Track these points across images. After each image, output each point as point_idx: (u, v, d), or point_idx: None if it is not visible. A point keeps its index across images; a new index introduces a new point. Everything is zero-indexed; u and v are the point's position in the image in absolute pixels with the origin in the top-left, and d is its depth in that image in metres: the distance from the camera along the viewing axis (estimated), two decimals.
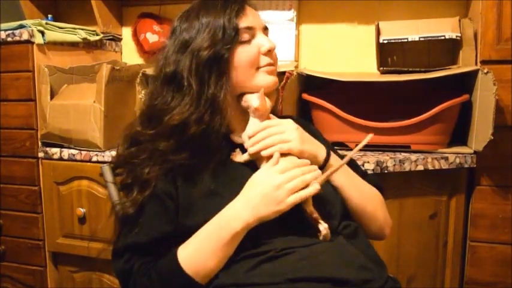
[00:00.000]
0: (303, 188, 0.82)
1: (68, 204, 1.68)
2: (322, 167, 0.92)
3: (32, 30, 1.64)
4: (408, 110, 1.45)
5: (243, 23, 0.92)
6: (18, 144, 1.72)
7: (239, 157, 0.93)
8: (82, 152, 1.63)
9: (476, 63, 1.48)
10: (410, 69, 1.52)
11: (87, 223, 1.65)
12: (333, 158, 0.95)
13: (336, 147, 1.48)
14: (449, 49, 1.61)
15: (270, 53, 0.94)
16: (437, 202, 1.44)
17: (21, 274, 1.80)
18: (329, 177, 0.88)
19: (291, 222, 0.83)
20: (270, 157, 0.86)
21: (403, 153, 1.45)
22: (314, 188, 0.81)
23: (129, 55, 2.13)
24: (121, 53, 2.14)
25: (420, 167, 1.39)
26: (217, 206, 0.85)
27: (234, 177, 0.90)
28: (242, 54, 0.91)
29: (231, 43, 0.90)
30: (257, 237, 0.83)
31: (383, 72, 1.58)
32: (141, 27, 2.04)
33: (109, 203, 1.06)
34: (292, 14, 1.86)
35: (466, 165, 1.40)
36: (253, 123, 0.92)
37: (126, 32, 2.12)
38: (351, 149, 1.51)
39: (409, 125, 1.42)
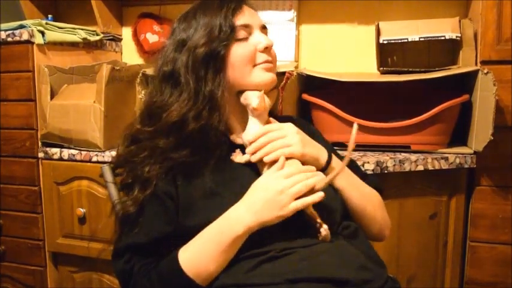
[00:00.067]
0: (306, 193, 0.82)
1: (68, 205, 1.68)
2: (324, 169, 0.92)
3: (32, 30, 1.64)
4: (408, 110, 1.45)
5: (239, 20, 0.93)
6: (18, 144, 1.72)
7: (239, 158, 0.93)
8: (82, 152, 1.63)
9: (476, 64, 1.48)
10: (410, 69, 1.52)
11: (87, 223, 1.65)
12: (335, 160, 0.95)
13: (336, 148, 1.48)
14: (449, 49, 1.61)
15: (267, 50, 0.94)
16: (437, 202, 1.44)
17: (21, 274, 1.80)
18: (332, 181, 0.88)
19: (291, 222, 0.83)
20: (272, 161, 0.87)
21: (403, 154, 1.45)
22: (318, 195, 0.81)
23: (129, 55, 2.13)
24: (121, 53, 2.14)
25: (420, 167, 1.39)
26: (218, 206, 0.85)
27: (234, 177, 0.90)
28: (238, 51, 0.92)
29: (227, 40, 0.91)
30: (257, 237, 0.83)
31: (383, 73, 1.58)
32: (141, 27, 2.04)
33: (109, 203, 1.06)
34: (292, 14, 1.86)
35: (466, 166, 1.40)
36: (253, 125, 0.92)
37: (126, 32, 2.12)
38: None
39: (409, 125, 1.42)
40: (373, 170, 1.35)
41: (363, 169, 1.31)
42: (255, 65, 0.93)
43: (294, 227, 0.84)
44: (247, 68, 0.93)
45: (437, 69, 1.48)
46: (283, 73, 1.48)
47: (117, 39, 2.10)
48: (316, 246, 0.83)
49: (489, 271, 1.46)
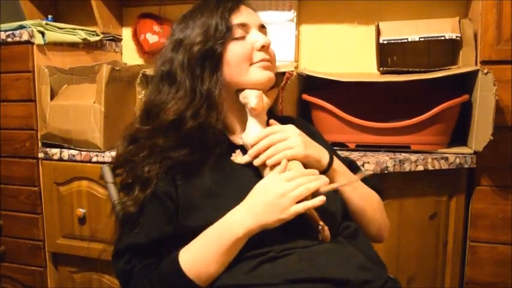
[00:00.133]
0: (307, 196, 0.81)
1: (68, 205, 1.68)
2: (326, 171, 0.92)
3: (32, 30, 1.64)
4: (408, 110, 1.45)
5: (236, 19, 0.94)
6: (18, 144, 1.72)
7: (239, 158, 0.93)
8: (82, 152, 1.63)
9: (476, 64, 1.48)
10: (410, 69, 1.52)
11: (87, 223, 1.65)
12: (336, 162, 0.95)
13: (336, 148, 1.49)
14: (449, 49, 1.61)
15: (264, 49, 0.94)
16: (437, 202, 1.44)
17: (21, 275, 1.80)
18: (335, 189, 0.88)
19: (292, 223, 0.83)
20: (274, 163, 0.86)
21: (403, 154, 1.45)
22: (319, 199, 0.80)
23: (129, 55, 2.13)
24: (121, 54, 2.14)
25: (420, 167, 1.39)
26: (218, 207, 0.85)
27: (234, 178, 0.91)
28: (234, 50, 0.92)
29: (223, 38, 0.91)
30: (258, 238, 0.83)
31: (383, 73, 1.58)
32: (141, 27, 2.04)
33: (109, 203, 1.06)
34: (292, 14, 1.86)
35: (466, 166, 1.40)
36: (253, 125, 0.92)
37: (126, 33, 2.12)
38: (351, 149, 1.52)
39: (409, 125, 1.42)
40: (373, 170, 1.35)
41: (363, 169, 1.32)
42: (252, 64, 0.93)
43: (294, 227, 0.83)
44: (244, 67, 0.93)
45: (437, 69, 1.48)
46: (283, 73, 1.48)
47: (117, 40, 2.10)
48: (316, 247, 0.83)
49: (489, 271, 1.46)
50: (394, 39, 1.56)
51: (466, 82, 1.50)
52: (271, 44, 0.98)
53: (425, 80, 1.41)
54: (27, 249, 1.77)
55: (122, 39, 2.14)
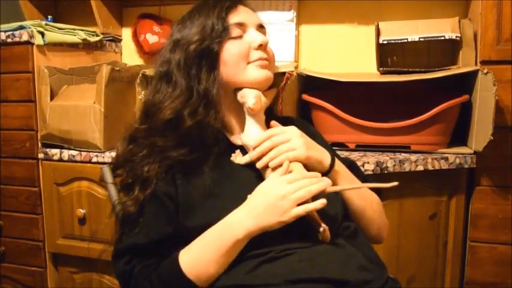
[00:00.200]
0: (308, 199, 0.81)
1: (68, 205, 1.68)
2: (328, 172, 0.92)
3: (32, 31, 1.64)
4: (408, 110, 1.45)
5: (233, 19, 0.94)
6: (18, 145, 1.72)
7: (239, 159, 0.93)
8: (82, 153, 1.63)
9: (476, 64, 1.48)
10: (410, 69, 1.52)
11: (87, 224, 1.65)
12: (338, 163, 0.95)
13: (336, 148, 1.49)
14: (449, 49, 1.61)
15: (262, 47, 0.94)
16: (437, 202, 1.44)
17: (21, 275, 1.80)
18: (338, 191, 0.88)
19: (292, 223, 0.83)
20: (276, 166, 0.86)
21: (403, 154, 1.45)
22: (320, 202, 0.80)
23: (129, 56, 2.13)
24: (121, 54, 2.14)
25: (420, 168, 1.39)
26: (217, 207, 0.85)
27: (234, 178, 0.91)
28: (231, 49, 0.92)
29: (219, 37, 0.91)
30: (258, 238, 0.82)
31: (383, 73, 1.58)
32: (141, 28, 2.04)
33: (109, 204, 1.06)
34: (292, 14, 1.86)
35: (466, 166, 1.40)
36: (251, 126, 0.92)
37: (126, 33, 2.12)
38: (351, 149, 1.52)
39: (409, 126, 1.42)
40: (373, 171, 1.35)
41: (362, 169, 1.32)
42: (249, 63, 0.93)
43: (294, 228, 0.83)
44: (240, 66, 0.93)
45: (437, 69, 1.48)
46: (283, 73, 1.48)
47: (117, 40, 2.10)
48: (316, 247, 0.83)
49: (489, 271, 1.46)
50: (394, 40, 1.56)
51: (466, 82, 1.50)
52: (270, 43, 0.98)
53: (425, 80, 1.41)
54: (27, 249, 1.77)
55: (121, 40, 2.14)
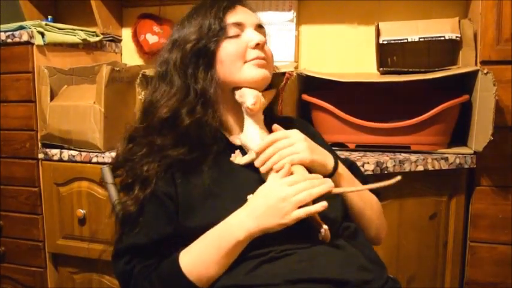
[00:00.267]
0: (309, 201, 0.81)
1: (68, 206, 1.68)
2: (331, 175, 0.91)
3: (32, 31, 1.64)
4: (408, 110, 1.45)
5: (231, 19, 0.94)
6: (18, 145, 1.72)
7: (239, 159, 0.93)
8: (82, 153, 1.63)
9: (476, 64, 1.48)
10: (410, 69, 1.52)
11: (87, 224, 1.65)
12: (340, 166, 0.95)
13: (336, 148, 1.49)
14: (449, 49, 1.61)
15: (259, 47, 0.94)
16: (437, 202, 1.44)
17: (21, 275, 1.80)
18: (340, 194, 0.88)
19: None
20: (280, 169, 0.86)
21: (403, 154, 1.45)
22: (321, 205, 0.79)
23: (129, 56, 2.13)
24: (121, 54, 2.14)
25: (420, 168, 1.39)
26: (217, 207, 0.85)
27: (233, 178, 0.91)
28: (228, 48, 0.92)
29: (216, 36, 0.92)
30: (258, 238, 0.82)
31: (383, 73, 1.58)
32: (141, 28, 2.04)
33: (109, 204, 1.06)
34: (292, 14, 1.86)
35: (466, 166, 1.40)
36: (250, 126, 0.92)
37: (126, 33, 2.12)
38: (351, 150, 1.52)
39: (409, 126, 1.42)
40: (373, 171, 1.35)
41: (362, 169, 1.32)
42: (246, 62, 0.93)
43: (294, 228, 0.83)
44: (237, 64, 0.93)
45: (437, 69, 1.48)
46: (283, 73, 1.48)
47: (116, 40, 2.10)
48: (316, 247, 0.83)
49: (489, 271, 1.46)
50: (394, 40, 1.56)
51: (466, 82, 1.50)
52: (268, 43, 0.98)
53: (425, 80, 1.41)
54: (27, 249, 1.76)
55: (121, 40, 2.14)
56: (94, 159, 1.61)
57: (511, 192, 1.43)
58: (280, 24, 1.86)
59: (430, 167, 1.39)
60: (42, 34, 1.67)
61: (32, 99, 1.69)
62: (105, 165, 1.07)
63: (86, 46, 1.90)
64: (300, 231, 0.84)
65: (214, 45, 0.92)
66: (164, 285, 0.84)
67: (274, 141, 0.88)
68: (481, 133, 1.38)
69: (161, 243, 0.88)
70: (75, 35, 1.82)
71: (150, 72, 1.55)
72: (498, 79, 1.33)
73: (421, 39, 1.54)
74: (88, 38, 1.87)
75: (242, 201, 0.85)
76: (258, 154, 0.89)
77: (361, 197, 0.98)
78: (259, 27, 0.98)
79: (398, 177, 0.85)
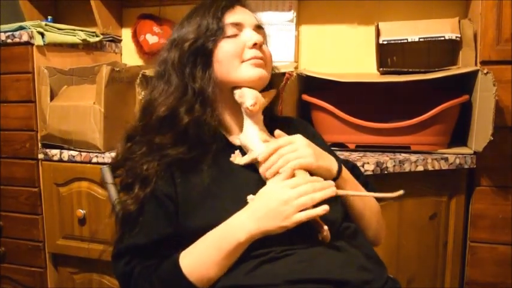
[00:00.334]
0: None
1: (68, 206, 1.68)
2: (336, 179, 0.91)
3: (32, 31, 1.64)
4: (408, 110, 1.45)
5: (229, 19, 0.94)
6: (18, 145, 1.72)
7: (239, 159, 0.93)
8: (82, 153, 1.63)
9: (476, 64, 1.48)
10: (410, 69, 1.52)
11: (87, 224, 1.65)
12: (344, 170, 0.95)
13: (336, 148, 1.49)
14: (449, 50, 1.61)
15: (257, 46, 0.94)
16: (437, 203, 1.44)
17: (21, 275, 1.80)
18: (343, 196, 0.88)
19: None
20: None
21: (403, 154, 1.45)
22: (322, 208, 0.79)
23: (129, 56, 2.13)
24: (121, 54, 2.14)
25: (420, 168, 1.39)
26: (217, 207, 0.85)
27: (233, 178, 0.91)
28: (225, 47, 0.93)
29: (214, 36, 0.92)
30: (258, 238, 0.82)
31: (383, 73, 1.58)
32: (141, 28, 2.04)
33: (109, 204, 1.06)
34: (292, 14, 1.86)
35: (466, 166, 1.40)
36: (250, 127, 0.92)
37: (126, 33, 2.12)
38: (351, 150, 1.52)
39: (409, 126, 1.42)
40: (373, 171, 1.35)
41: (362, 170, 1.32)
42: (243, 61, 0.93)
43: (294, 228, 0.83)
44: (234, 64, 0.93)
45: (437, 69, 1.48)
46: (283, 74, 1.48)
47: (116, 41, 2.10)
48: (317, 247, 0.83)
49: (489, 271, 1.45)
50: (394, 40, 1.56)
51: (466, 82, 1.50)
52: (268, 43, 0.99)
53: (425, 81, 1.41)
54: (27, 250, 1.76)
55: (121, 40, 2.14)
56: (94, 160, 1.61)
57: (511, 193, 1.43)
58: (280, 24, 1.86)
59: (430, 167, 1.39)
60: (42, 34, 1.67)
61: (32, 99, 1.69)
62: (105, 165, 1.07)
63: (86, 46, 1.90)
64: (300, 232, 0.84)
65: (212, 45, 0.92)
66: (164, 286, 0.84)
67: (277, 148, 0.87)
68: (481, 133, 1.38)
69: (161, 243, 0.87)
70: (75, 35, 1.82)
71: (150, 72, 1.56)
72: (498, 79, 1.33)
73: (421, 40, 1.54)
74: (88, 38, 1.87)
75: (242, 201, 0.85)
76: (261, 163, 0.88)
77: (362, 201, 0.98)
78: (258, 28, 0.98)
79: (401, 192, 0.84)
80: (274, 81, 1.06)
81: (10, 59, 1.69)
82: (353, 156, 1.43)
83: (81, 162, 1.63)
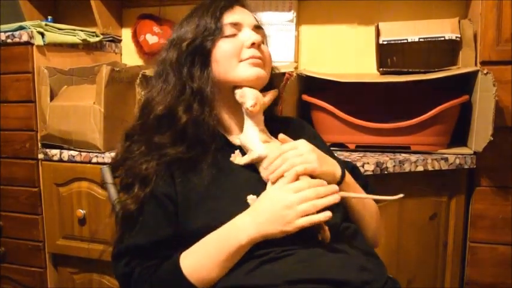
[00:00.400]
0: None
1: (68, 206, 1.68)
2: (339, 183, 0.91)
3: (32, 31, 1.64)
4: (408, 110, 1.45)
5: (228, 19, 0.94)
6: (18, 145, 1.72)
7: (239, 159, 0.93)
8: (82, 153, 1.63)
9: (476, 64, 1.48)
10: (410, 70, 1.52)
11: (87, 224, 1.65)
12: (347, 174, 0.95)
13: (336, 148, 1.49)
14: (449, 50, 1.61)
15: (255, 46, 0.94)
16: (437, 203, 1.44)
17: (21, 275, 1.80)
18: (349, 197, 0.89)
19: None
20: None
21: (403, 154, 1.45)
22: (325, 214, 0.79)
23: (129, 56, 2.13)
24: (121, 54, 2.14)
25: (420, 168, 1.38)
26: (217, 207, 0.85)
27: (233, 179, 0.91)
28: (223, 47, 0.93)
29: (212, 36, 0.92)
30: None
31: (383, 73, 1.58)
32: (140, 28, 2.04)
33: (109, 204, 1.06)
34: (292, 15, 1.86)
35: (466, 166, 1.40)
36: (250, 127, 0.92)
37: (126, 33, 2.12)
38: (351, 150, 1.52)
39: (409, 126, 1.42)
40: (373, 171, 1.35)
41: (362, 170, 1.32)
42: (241, 61, 0.93)
43: None
44: (232, 63, 0.93)
45: (437, 69, 1.48)
46: (283, 74, 1.48)
47: (116, 41, 2.10)
48: (316, 248, 0.83)
49: (489, 272, 1.45)
50: (394, 40, 1.56)
51: (466, 83, 1.49)
52: (267, 43, 0.99)
53: (425, 81, 1.41)
54: (27, 250, 1.76)
55: (121, 40, 2.14)
56: (94, 160, 1.61)
57: (511, 193, 1.43)
58: (280, 25, 1.86)
59: (430, 168, 1.39)
60: (42, 34, 1.67)
61: (32, 99, 1.69)
62: (104, 165, 1.07)
63: (86, 46, 1.90)
64: (301, 232, 0.84)
65: (210, 44, 0.92)
66: (164, 287, 0.84)
67: (282, 154, 0.87)
68: (481, 133, 1.37)
69: (161, 244, 0.87)
70: (75, 35, 1.82)
71: (150, 72, 1.55)
72: (498, 79, 1.33)
73: (421, 40, 1.54)
74: (88, 38, 1.87)
75: (242, 201, 0.85)
76: (261, 163, 0.89)
77: (363, 203, 0.98)
78: (257, 28, 0.98)
79: (401, 195, 0.85)
80: (274, 82, 1.06)
81: (10, 59, 1.69)
82: (353, 157, 1.43)
83: (81, 162, 1.63)
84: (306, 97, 1.55)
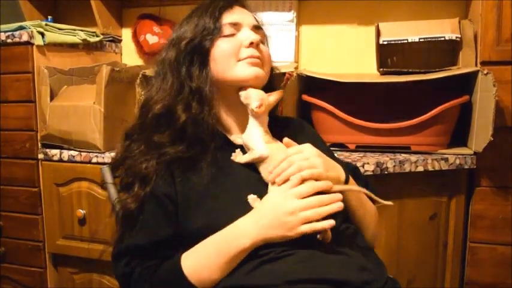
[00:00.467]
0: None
1: (68, 206, 1.68)
2: None
3: (32, 31, 1.64)
4: (408, 110, 1.45)
5: (227, 18, 0.95)
6: (18, 145, 1.72)
7: (239, 158, 0.93)
8: (82, 153, 1.63)
9: (476, 64, 1.48)
10: (410, 70, 1.52)
11: (87, 224, 1.65)
12: (351, 179, 0.95)
13: (336, 148, 1.49)
14: (449, 50, 1.61)
15: (253, 45, 0.94)
16: (437, 203, 1.44)
17: (21, 275, 1.80)
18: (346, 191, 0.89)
19: None
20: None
21: (403, 154, 1.45)
22: (328, 222, 0.79)
23: (129, 56, 2.13)
24: (121, 54, 2.14)
25: (420, 168, 1.38)
26: (218, 208, 0.85)
27: (234, 178, 0.91)
28: (221, 46, 0.93)
29: (211, 35, 0.93)
30: None
31: (383, 73, 1.58)
32: (141, 28, 2.04)
33: (109, 204, 1.06)
34: (292, 15, 1.86)
35: (466, 166, 1.40)
36: (254, 128, 0.92)
37: (126, 33, 2.12)
38: (351, 150, 1.52)
39: (409, 126, 1.42)
40: (373, 171, 1.35)
41: (362, 170, 1.32)
42: (239, 60, 0.93)
43: None
44: (230, 63, 0.93)
45: (437, 69, 1.48)
46: (283, 74, 1.48)
47: (116, 41, 2.10)
48: (316, 248, 0.83)
49: (489, 272, 1.45)
50: (394, 40, 1.56)
51: (466, 83, 1.49)
52: (267, 44, 0.99)
53: (425, 81, 1.41)
54: (27, 250, 1.76)
55: (121, 40, 2.14)
56: (94, 160, 1.61)
57: (511, 193, 1.43)
58: (280, 25, 1.86)
59: (430, 168, 1.39)
60: (42, 34, 1.67)
61: (32, 99, 1.69)
62: (104, 165, 1.07)
63: (86, 46, 1.90)
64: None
65: (209, 44, 0.93)
66: (164, 287, 0.84)
67: (287, 158, 0.86)
68: (481, 133, 1.37)
69: (161, 244, 0.87)
70: (75, 35, 1.82)
71: (150, 72, 1.56)
72: (498, 80, 1.33)
73: (421, 40, 1.54)
74: (88, 38, 1.87)
75: (242, 201, 0.85)
76: (261, 163, 0.89)
77: (362, 203, 0.98)
78: (257, 28, 0.98)
79: (390, 203, 0.89)
80: (274, 82, 1.06)
81: (10, 59, 1.69)
82: (353, 157, 1.43)
83: (81, 162, 1.63)
84: (306, 97, 1.55)
